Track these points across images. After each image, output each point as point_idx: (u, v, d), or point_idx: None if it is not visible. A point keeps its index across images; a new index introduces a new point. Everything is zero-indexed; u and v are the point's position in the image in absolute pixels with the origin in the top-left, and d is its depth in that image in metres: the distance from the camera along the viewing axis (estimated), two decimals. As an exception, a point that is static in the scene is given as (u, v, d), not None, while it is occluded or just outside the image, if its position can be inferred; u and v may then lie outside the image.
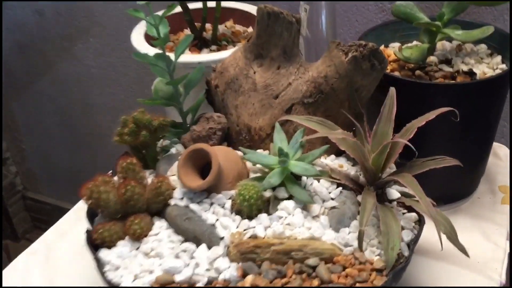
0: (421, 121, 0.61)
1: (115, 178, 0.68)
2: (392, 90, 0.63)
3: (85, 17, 1.39)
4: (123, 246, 0.60)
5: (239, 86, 0.68)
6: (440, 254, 0.70)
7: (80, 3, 1.36)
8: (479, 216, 0.77)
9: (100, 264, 0.59)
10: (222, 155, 0.62)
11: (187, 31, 0.97)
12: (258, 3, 0.97)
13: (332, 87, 0.63)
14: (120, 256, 0.59)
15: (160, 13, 0.68)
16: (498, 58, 0.74)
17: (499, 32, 0.73)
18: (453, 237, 0.57)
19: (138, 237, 0.61)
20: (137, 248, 0.61)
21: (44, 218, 1.97)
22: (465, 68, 0.73)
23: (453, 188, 0.77)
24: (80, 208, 0.87)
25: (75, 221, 0.84)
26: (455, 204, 0.79)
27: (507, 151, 0.88)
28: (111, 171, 0.74)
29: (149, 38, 0.91)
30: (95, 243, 0.61)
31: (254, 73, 0.67)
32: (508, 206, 0.78)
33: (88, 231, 0.63)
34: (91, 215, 0.65)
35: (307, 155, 0.62)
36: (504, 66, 0.73)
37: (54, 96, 1.63)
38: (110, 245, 0.61)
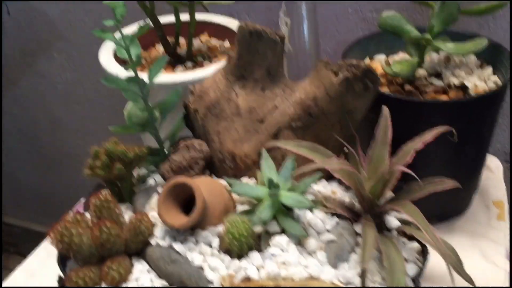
0: (418, 143, 0.57)
1: (87, 214, 0.62)
2: (386, 110, 0.59)
3: (48, 31, 1.32)
4: (101, 295, 0.55)
5: (221, 111, 0.63)
6: (438, 278, 0.66)
7: (43, 17, 1.29)
8: (475, 233, 0.74)
9: (75, 317, 0.53)
10: (206, 188, 0.57)
11: (159, 46, 0.91)
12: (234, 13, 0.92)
13: (322, 109, 0.59)
14: (98, 306, 0.54)
15: (129, 29, 0.63)
16: (489, 70, 0.71)
17: (489, 42, 0.70)
18: (459, 268, 0.54)
19: (117, 284, 0.55)
20: (117, 296, 0.55)
21: (12, 241, 1.88)
22: (456, 81, 0.70)
23: (447, 205, 0.74)
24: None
25: (45, 259, 0.77)
26: (450, 221, 0.76)
27: (498, 162, 0.85)
28: (82, 202, 0.67)
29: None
30: (69, 293, 0.55)
31: (237, 96, 0.62)
32: (504, 223, 0.75)
33: (60, 279, 0.56)
34: (62, 259, 0.59)
35: (298, 185, 0.58)
36: (496, 78, 0.70)
37: (18, 115, 1.54)
38: (86, 294, 0.55)
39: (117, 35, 0.62)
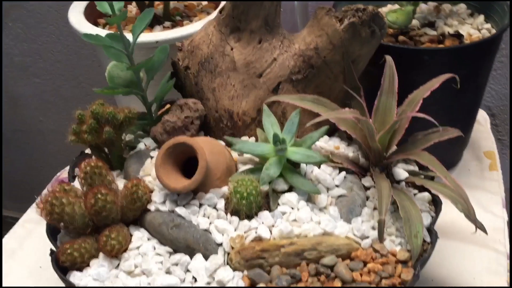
0: (425, 91, 0.55)
1: (74, 184, 0.57)
2: (390, 59, 0.57)
3: (0, -2, 1.22)
4: (100, 266, 0.51)
5: (215, 66, 0.59)
6: (440, 230, 0.65)
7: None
8: (470, 185, 0.73)
9: (75, 292, 0.49)
10: (207, 148, 0.53)
11: (133, 7, 0.85)
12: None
13: (325, 59, 0.56)
14: (98, 278, 0.50)
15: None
16: (481, 18, 0.70)
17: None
18: (471, 215, 0.52)
19: (116, 253, 0.51)
20: (117, 267, 0.51)
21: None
22: (450, 30, 0.68)
23: (441, 157, 0.73)
24: (28, 221, 0.75)
25: (24, 237, 0.72)
26: (443, 174, 0.75)
27: (486, 115, 0.85)
28: (59, 175, 0.62)
29: (94, 16, 0.79)
30: (63, 266, 0.51)
31: (232, 49, 0.58)
32: (496, 173, 0.75)
33: (53, 252, 0.52)
34: (52, 232, 0.54)
35: (304, 139, 0.55)
36: (489, 26, 0.69)
37: (-29, 91, 1.44)
38: (81, 266, 0.51)
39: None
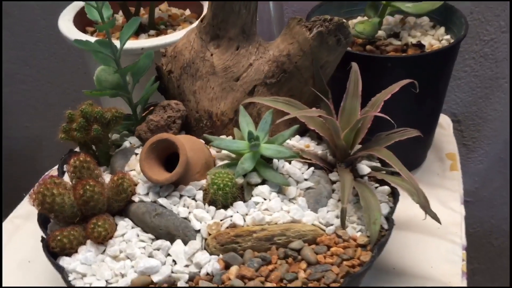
0: (386, 94, 0.61)
1: (63, 179, 0.62)
2: (355, 66, 0.62)
3: (-10, 7, 1.26)
4: (87, 252, 0.55)
5: (196, 70, 0.64)
6: (403, 223, 0.71)
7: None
8: (433, 183, 0.79)
9: (64, 274, 0.53)
10: (188, 144, 0.58)
11: (119, 15, 0.90)
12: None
13: (296, 65, 0.61)
14: (85, 262, 0.54)
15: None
16: (442, 30, 0.76)
17: (442, 4, 0.75)
18: (426, 207, 0.58)
19: (103, 240, 0.56)
20: (103, 252, 0.56)
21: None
22: (413, 40, 0.75)
23: (406, 158, 0.79)
24: (16, 216, 0.79)
25: (12, 232, 0.76)
26: (409, 174, 0.81)
27: (449, 120, 0.92)
28: (48, 174, 0.66)
29: (83, 24, 0.84)
30: (53, 252, 0.55)
31: (212, 55, 0.64)
32: (457, 172, 0.81)
33: (44, 239, 0.56)
34: (43, 221, 0.59)
35: (276, 137, 0.60)
36: (449, 37, 0.75)
37: (-42, 97, 1.47)
38: (70, 252, 0.56)
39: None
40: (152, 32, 0.84)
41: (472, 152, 1.09)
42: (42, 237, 0.57)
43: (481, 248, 1.22)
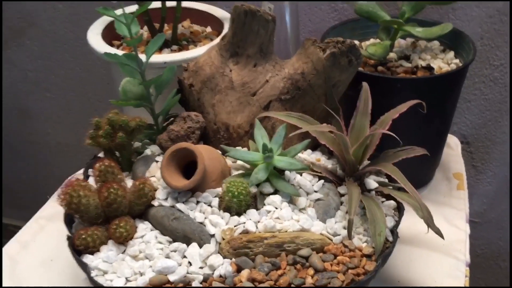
0: (394, 113, 0.64)
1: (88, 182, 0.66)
2: (366, 85, 0.66)
3: (20, 18, 1.32)
4: (109, 251, 0.59)
5: (215, 85, 0.68)
6: (409, 239, 0.74)
7: (15, 5, 1.29)
8: (438, 202, 0.82)
9: (86, 270, 0.57)
10: (206, 154, 0.62)
11: (144, 31, 0.95)
12: (215, 3, 0.98)
13: (310, 83, 0.65)
14: (107, 260, 0.58)
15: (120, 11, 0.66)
16: (451, 54, 0.80)
17: (451, 29, 0.78)
18: (430, 222, 0.61)
19: (124, 241, 0.60)
20: (123, 252, 0.60)
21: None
22: (423, 63, 0.78)
23: (414, 176, 0.81)
24: (41, 217, 0.83)
25: (37, 232, 0.80)
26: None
27: (457, 140, 0.95)
28: (73, 177, 0.70)
29: (110, 38, 0.88)
30: (76, 249, 0.59)
31: (231, 71, 0.68)
32: (463, 192, 0.84)
33: (69, 237, 0.60)
34: (69, 220, 0.63)
35: (289, 150, 0.64)
36: (457, 61, 0.79)
37: (-15, 103, 1.53)
38: (92, 250, 0.60)
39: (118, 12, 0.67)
40: (174, 47, 0.89)
41: (481, 173, 1.11)
42: (67, 235, 0.61)
43: (488, 269, 1.24)
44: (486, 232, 1.18)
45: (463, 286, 0.68)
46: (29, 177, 1.64)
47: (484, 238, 1.19)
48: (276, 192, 0.62)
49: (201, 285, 0.55)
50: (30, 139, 1.56)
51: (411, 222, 0.66)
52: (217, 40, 0.85)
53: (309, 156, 0.68)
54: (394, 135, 0.58)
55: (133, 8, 0.91)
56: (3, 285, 0.68)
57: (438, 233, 0.61)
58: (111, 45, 0.89)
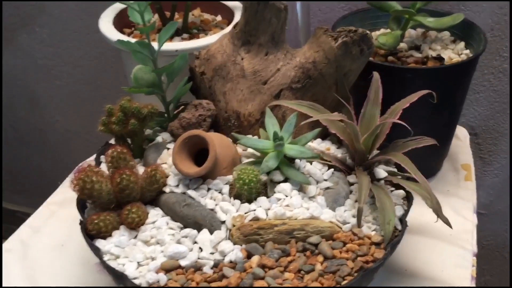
0: (405, 103, 0.64)
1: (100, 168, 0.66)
2: (376, 75, 0.66)
3: (31, 5, 1.33)
4: (121, 236, 0.60)
5: (227, 73, 0.69)
6: (416, 229, 0.74)
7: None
8: (446, 192, 0.82)
9: (99, 254, 0.58)
10: (217, 141, 0.63)
11: (154, 19, 0.95)
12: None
13: (321, 72, 0.66)
14: (119, 245, 0.59)
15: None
16: (462, 44, 0.80)
17: (462, 20, 0.78)
18: (438, 211, 0.61)
19: (135, 226, 0.60)
20: (135, 237, 0.60)
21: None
22: (433, 53, 0.78)
23: (422, 167, 0.82)
24: (51, 203, 0.84)
25: (48, 217, 0.81)
26: (424, 182, 0.84)
27: (465, 131, 0.95)
28: (83, 164, 0.71)
29: (120, 26, 0.89)
30: (89, 234, 0.60)
31: (242, 59, 0.68)
32: (471, 183, 0.84)
33: (82, 222, 0.61)
34: (82, 206, 0.64)
35: (299, 138, 0.64)
36: (468, 52, 0.79)
37: (-5, 90, 1.54)
38: (104, 235, 0.60)
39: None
40: (185, 35, 0.89)
41: (488, 165, 1.12)
42: (80, 220, 0.62)
43: (494, 260, 1.24)
44: (492, 224, 1.19)
45: (470, 276, 0.69)
46: (37, 164, 1.65)
47: (490, 229, 1.20)
48: (286, 180, 0.63)
49: (212, 270, 0.56)
50: (39, 126, 1.57)
51: (418, 212, 0.66)
52: (228, 28, 0.85)
53: (318, 145, 0.69)
54: (405, 124, 0.58)
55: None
56: (3, 285, 0.69)
57: (447, 222, 0.62)
58: (122, 33, 0.90)
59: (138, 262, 0.57)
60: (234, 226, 0.59)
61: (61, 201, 0.84)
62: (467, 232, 0.76)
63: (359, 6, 0.99)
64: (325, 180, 0.64)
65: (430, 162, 0.84)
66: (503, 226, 1.18)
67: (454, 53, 0.79)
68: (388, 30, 0.83)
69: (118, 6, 0.92)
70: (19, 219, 0.90)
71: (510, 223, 1.15)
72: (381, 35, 0.75)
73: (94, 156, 0.73)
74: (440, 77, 0.73)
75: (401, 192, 0.64)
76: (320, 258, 0.56)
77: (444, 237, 0.74)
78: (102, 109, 0.68)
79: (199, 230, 0.59)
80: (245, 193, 0.60)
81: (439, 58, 0.77)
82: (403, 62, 0.77)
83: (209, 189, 0.62)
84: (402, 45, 0.80)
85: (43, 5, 1.30)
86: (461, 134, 0.94)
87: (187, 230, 0.59)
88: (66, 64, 1.40)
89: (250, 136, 0.68)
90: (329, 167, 0.65)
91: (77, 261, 0.72)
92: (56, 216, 0.81)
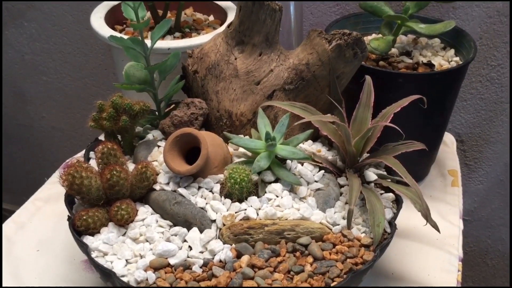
0: (396, 107, 0.65)
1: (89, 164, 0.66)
2: (369, 78, 0.67)
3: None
4: (109, 232, 0.59)
5: (220, 72, 0.68)
6: (403, 233, 0.75)
7: (15, -16, 1.28)
8: (433, 197, 0.83)
9: (87, 251, 0.57)
10: (209, 140, 0.63)
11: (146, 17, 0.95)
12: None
13: (314, 74, 0.66)
14: (107, 242, 0.58)
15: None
16: (452, 52, 0.81)
17: (453, 27, 0.79)
18: (427, 215, 0.62)
19: (124, 223, 0.60)
20: (124, 234, 0.60)
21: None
22: (424, 60, 0.79)
23: (410, 171, 0.82)
24: (37, 199, 0.83)
25: (33, 213, 0.80)
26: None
27: (453, 138, 0.96)
28: (71, 160, 0.70)
29: (112, 23, 0.88)
30: (77, 230, 0.59)
31: (236, 59, 0.68)
32: (457, 188, 0.85)
33: (69, 218, 0.60)
34: (70, 201, 0.63)
35: (291, 139, 0.64)
36: (457, 59, 0.80)
37: (-21, 85, 1.52)
38: (93, 232, 0.60)
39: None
40: (177, 34, 0.89)
41: (473, 172, 1.13)
42: (68, 216, 0.61)
43: (476, 267, 1.26)
44: (475, 230, 1.20)
45: (455, 281, 0.70)
46: (22, 161, 1.63)
47: (473, 236, 1.21)
48: (277, 180, 0.63)
49: (201, 269, 0.56)
50: (25, 122, 1.55)
51: (405, 216, 0.67)
52: (221, 28, 0.85)
53: (309, 146, 0.69)
54: (396, 127, 0.59)
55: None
56: (3, 285, 0.68)
57: (435, 226, 0.62)
58: (114, 29, 0.89)
59: (126, 260, 0.57)
60: (224, 225, 0.59)
61: (47, 197, 0.83)
62: (453, 237, 0.76)
63: (350, 11, 1.00)
64: (316, 181, 0.64)
65: (418, 166, 0.84)
66: (486, 233, 1.20)
67: (444, 60, 0.80)
68: (380, 35, 0.84)
69: (109, 3, 0.92)
70: (3, 216, 0.89)
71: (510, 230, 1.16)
72: (373, 40, 0.76)
73: (82, 152, 0.73)
74: (431, 83, 0.73)
75: (391, 195, 0.64)
76: (310, 259, 0.56)
77: (430, 241, 0.74)
78: (88, 107, 0.68)
79: (189, 228, 0.59)
80: (236, 192, 0.60)
81: (430, 65, 0.78)
82: (394, 67, 0.78)
83: (199, 188, 0.62)
84: (393, 50, 0.81)
85: (1, 5, 1.29)
86: (449, 140, 0.95)
87: (177, 228, 0.59)
88: (54, 60, 1.39)
89: (241, 136, 0.68)
90: (320, 168, 0.66)
91: (62, 258, 0.72)
92: (42, 213, 0.80)
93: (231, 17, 0.88)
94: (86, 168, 0.62)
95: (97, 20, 0.87)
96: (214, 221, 0.59)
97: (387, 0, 0.85)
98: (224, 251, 0.57)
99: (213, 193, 0.61)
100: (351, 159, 0.65)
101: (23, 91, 1.49)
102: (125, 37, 0.71)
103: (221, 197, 0.61)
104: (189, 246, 0.58)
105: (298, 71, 0.66)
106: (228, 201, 0.60)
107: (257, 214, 0.59)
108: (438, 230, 0.62)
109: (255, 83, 0.68)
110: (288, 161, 0.64)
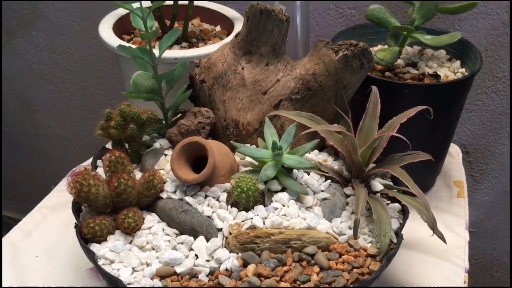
0: (403, 117, 0.65)
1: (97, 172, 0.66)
2: (375, 89, 0.67)
3: (28, 9, 1.33)
4: (116, 240, 0.59)
5: (227, 82, 0.69)
6: (409, 244, 0.75)
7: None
8: (439, 208, 0.83)
9: (94, 258, 0.57)
10: (216, 149, 0.63)
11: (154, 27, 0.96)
12: (225, 3, 0.99)
13: (321, 84, 0.66)
14: (114, 250, 0.58)
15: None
16: (457, 63, 0.81)
17: (459, 39, 0.80)
18: (434, 226, 0.62)
19: (131, 231, 0.60)
20: (131, 242, 0.60)
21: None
22: (430, 71, 0.79)
23: (416, 182, 0.82)
24: (44, 207, 0.83)
25: (40, 221, 0.80)
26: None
27: (458, 149, 0.96)
28: (77, 169, 0.70)
29: (120, 32, 0.89)
30: (83, 238, 0.60)
31: (243, 69, 0.69)
32: (463, 199, 0.85)
33: (76, 225, 0.61)
34: (77, 209, 0.63)
35: (298, 149, 0.65)
36: (463, 70, 0.80)
37: (-13, 93, 1.53)
38: (99, 239, 0.60)
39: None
40: (184, 44, 0.90)
41: (479, 183, 1.13)
42: (75, 223, 0.61)
43: (482, 279, 1.25)
44: (481, 242, 1.20)
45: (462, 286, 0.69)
46: (28, 169, 1.63)
47: (478, 248, 1.20)
48: (283, 189, 0.63)
49: (207, 278, 0.56)
50: (31, 131, 1.56)
51: (411, 227, 0.67)
52: (227, 38, 0.86)
53: (316, 156, 0.69)
54: (403, 137, 0.59)
55: (144, 4, 0.92)
56: (3, 285, 0.68)
57: (441, 237, 0.62)
58: (122, 39, 0.90)
59: (133, 268, 0.57)
60: (230, 234, 0.59)
61: (54, 205, 0.83)
62: (459, 248, 0.76)
63: (356, 22, 1.00)
64: (322, 191, 0.64)
65: (424, 177, 0.84)
66: (492, 245, 1.19)
67: (450, 71, 0.80)
68: (386, 46, 0.84)
69: (118, 12, 0.92)
70: (5, 224, 0.89)
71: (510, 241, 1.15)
72: (379, 51, 0.76)
73: (89, 161, 0.73)
74: (437, 94, 0.74)
75: (397, 205, 0.64)
76: (316, 268, 0.56)
77: (436, 252, 0.74)
78: (94, 116, 0.68)
79: (195, 237, 0.59)
80: (243, 201, 0.60)
81: (435, 76, 0.78)
82: (400, 78, 0.78)
83: (206, 196, 0.62)
84: (399, 61, 0.82)
85: (41, 9, 1.30)
86: (454, 152, 0.95)
87: (183, 237, 0.59)
88: (61, 69, 1.40)
89: (248, 145, 0.69)
90: (326, 178, 0.66)
91: (68, 266, 0.72)
92: (48, 220, 0.81)
93: (237, 27, 0.89)
94: (94, 176, 0.62)
95: (106, 30, 0.88)
96: (220, 229, 0.59)
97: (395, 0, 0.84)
98: (231, 260, 0.57)
99: (219, 202, 0.62)
100: (357, 169, 0.65)
101: (30, 99, 1.50)
102: (134, 46, 0.72)
103: (227, 206, 0.61)
104: (196, 255, 0.58)
105: (305, 81, 0.67)
106: (234, 210, 0.61)
107: (264, 223, 0.59)
108: (445, 241, 0.62)
109: (262, 93, 0.68)
110: (294, 171, 0.64)
